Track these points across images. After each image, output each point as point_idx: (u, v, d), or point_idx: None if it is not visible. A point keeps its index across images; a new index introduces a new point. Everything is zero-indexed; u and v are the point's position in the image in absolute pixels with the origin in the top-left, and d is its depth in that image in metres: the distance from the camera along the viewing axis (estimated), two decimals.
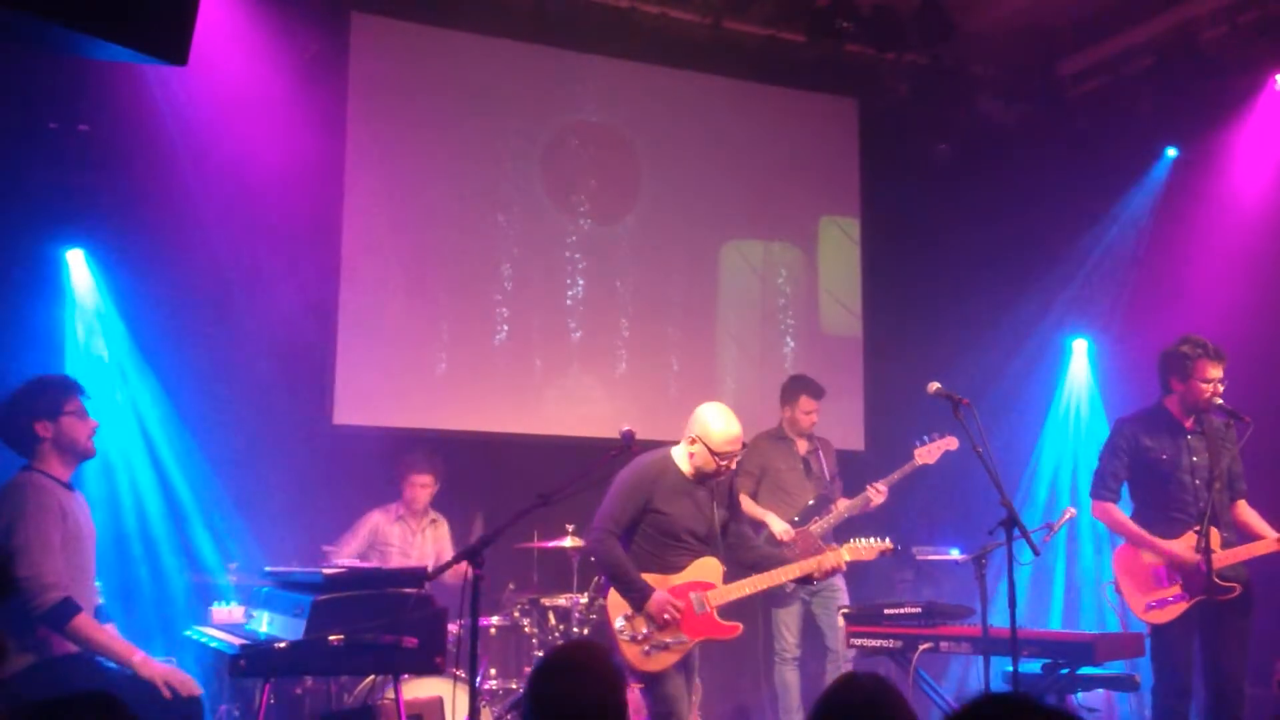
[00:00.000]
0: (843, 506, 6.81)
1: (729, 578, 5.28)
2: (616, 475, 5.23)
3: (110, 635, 4.39)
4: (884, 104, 8.90)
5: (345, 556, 6.44)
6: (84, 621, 4.29)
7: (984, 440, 4.75)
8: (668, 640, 5.06)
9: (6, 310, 6.56)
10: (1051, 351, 8.72)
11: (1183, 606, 5.52)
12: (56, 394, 4.58)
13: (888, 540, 5.58)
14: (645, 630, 5.06)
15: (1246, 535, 5.67)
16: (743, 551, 5.37)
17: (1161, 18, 7.90)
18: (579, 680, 3.02)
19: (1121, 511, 5.79)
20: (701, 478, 5.23)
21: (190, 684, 4.39)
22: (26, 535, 4.28)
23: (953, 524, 7.92)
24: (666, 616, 5.03)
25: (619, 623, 5.08)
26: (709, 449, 5.13)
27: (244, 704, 5.81)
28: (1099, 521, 5.98)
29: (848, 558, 5.37)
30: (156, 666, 4.37)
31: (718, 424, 5.15)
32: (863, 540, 5.53)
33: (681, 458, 5.25)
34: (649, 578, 5.12)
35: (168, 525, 6.72)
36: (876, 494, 6.68)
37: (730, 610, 5.29)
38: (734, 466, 5.25)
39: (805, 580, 5.41)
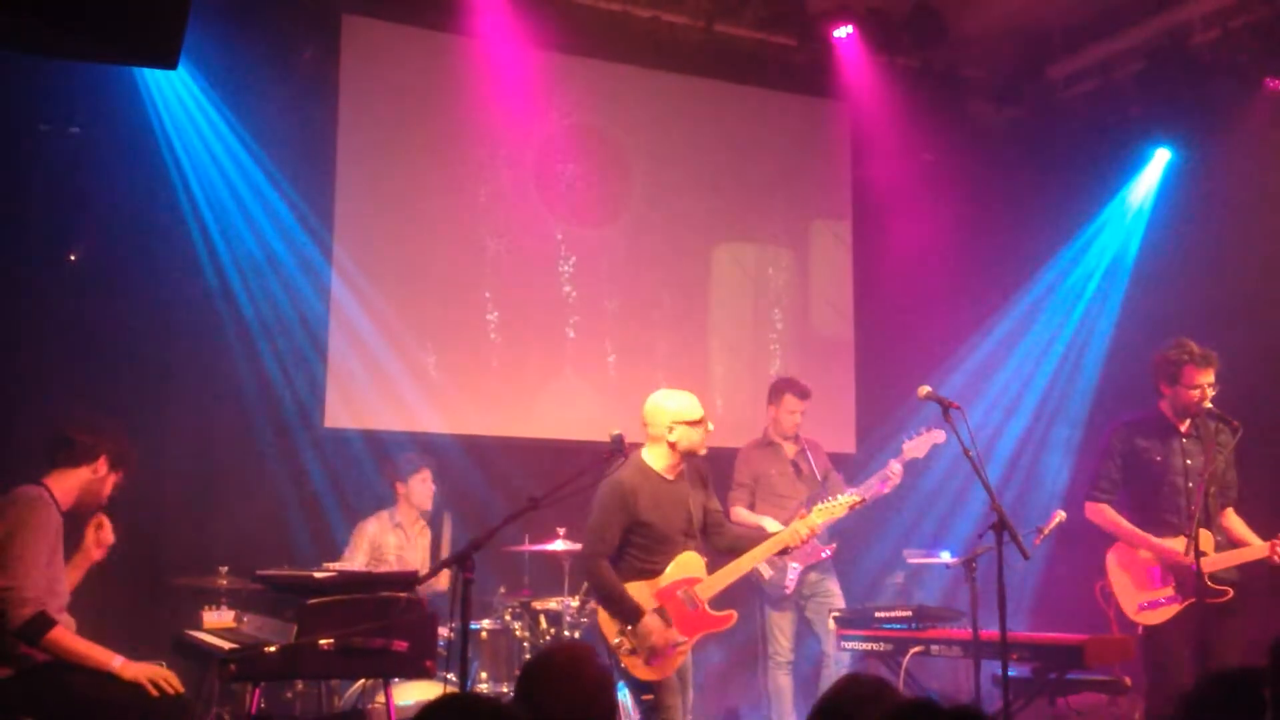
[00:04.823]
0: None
1: (712, 567, 5.31)
2: (596, 492, 5.18)
3: (88, 644, 4.39)
4: (875, 107, 8.90)
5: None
6: (59, 634, 4.31)
7: (974, 444, 4.76)
8: (668, 643, 5.08)
9: (8, 312, 6.57)
10: (1041, 355, 8.73)
11: (1175, 609, 5.53)
12: (128, 456, 4.77)
13: (855, 494, 5.67)
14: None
15: (1232, 542, 5.69)
16: (719, 537, 5.40)
17: (1152, 21, 7.92)
18: (568, 681, 3.02)
19: (1115, 513, 5.80)
20: (687, 460, 5.27)
21: (175, 681, 4.41)
22: (19, 549, 4.31)
23: (943, 527, 7.92)
24: (649, 644, 5.04)
25: (616, 638, 5.08)
26: (690, 424, 5.20)
27: (234, 707, 5.80)
28: (1094, 523, 5.97)
29: (818, 520, 5.37)
30: (138, 667, 4.38)
31: (681, 400, 5.26)
32: (830, 499, 5.53)
33: (656, 457, 5.27)
34: (638, 585, 5.14)
35: (158, 529, 6.70)
36: (894, 474, 6.62)
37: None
38: (711, 429, 5.30)
39: (785, 551, 5.48)
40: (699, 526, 5.30)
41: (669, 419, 5.22)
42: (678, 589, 5.17)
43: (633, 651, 5.06)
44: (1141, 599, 5.63)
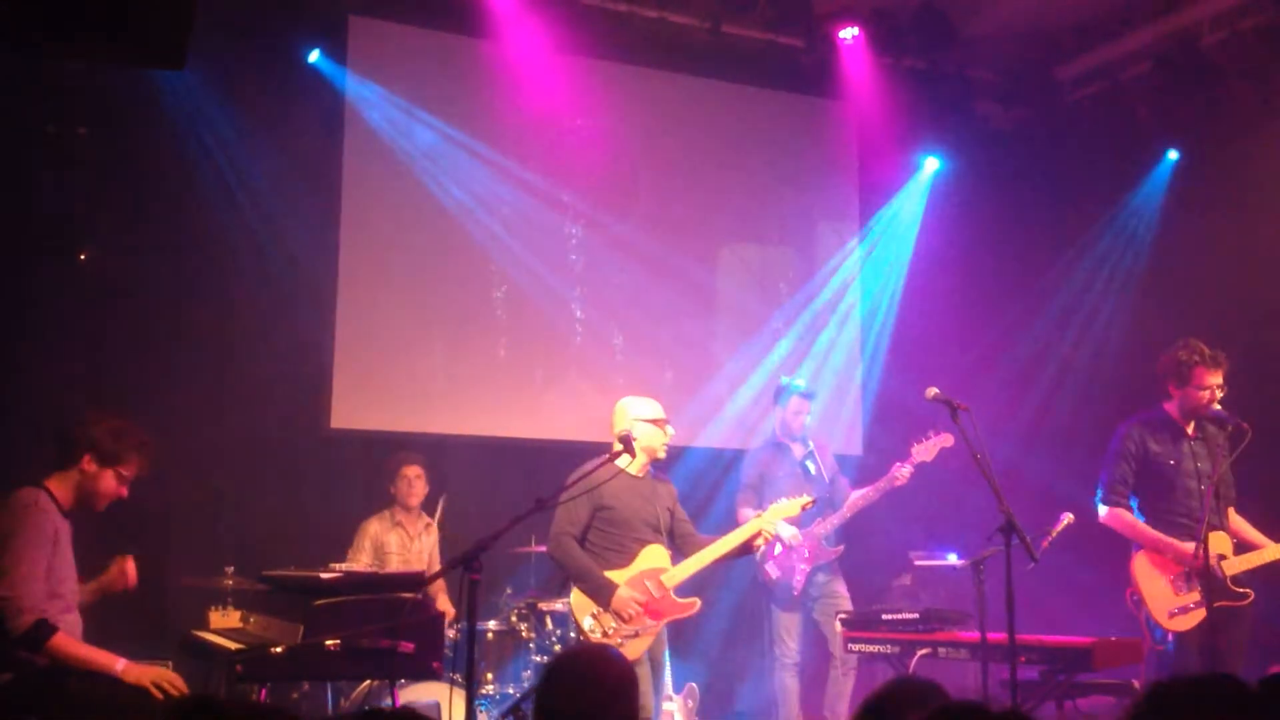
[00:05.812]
0: (858, 497, 6.82)
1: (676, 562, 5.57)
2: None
3: (91, 649, 4.37)
4: (882, 109, 8.90)
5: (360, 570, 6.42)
6: (61, 640, 4.28)
7: (982, 445, 4.74)
8: (636, 628, 5.30)
9: (17, 313, 6.58)
10: (1049, 356, 8.71)
11: (1203, 613, 5.49)
12: (126, 449, 4.60)
13: (806, 495, 5.89)
14: (614, 625, 5.29)
15: (1240, 543, 5.66)
16: (689, 545, 5.63)
17: (1161, 22, 7.89)
18: (589, 682, 3.02)
19: (1134, 516, 5.78)
20: (653, 461, 5.54)
21: (179, 682, 4.39)
22: (15, 556, 4.27)
23: (951, 529, 7.91)
24: (630, 611, 5.28)
25: (587, 622, 5.31)
26: (650, 422, 5.48)
27: None
28: (1111, 528, 5.93)
29: (774, 516, 5.69)
30: (141, 670, 4.36)
31: (641, 403, 5.57)
32: (784, 500, 5.79)
33: (624, 460, 5.41)
34: (607, 574, 5.36)
35: (165, 529, 6.70)
36: (901, 474, 6.67)
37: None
38: (672, 434, 5.59)
39: (748, 549, 5.64)
40: (666, 528, 5.55)
41: (630, 418, 5.49)
42: (645, 578, 5.40)
43: (604, 634, 5.26)
44: (1172, 605, 5.58)
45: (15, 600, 4.22)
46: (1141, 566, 5.74)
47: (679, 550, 5.61)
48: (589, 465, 5.17)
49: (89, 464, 4.54)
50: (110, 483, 4.59)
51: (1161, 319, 7.47)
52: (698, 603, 5.52)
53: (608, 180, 8.27)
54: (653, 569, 5.43)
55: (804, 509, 5.85)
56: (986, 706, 2.12)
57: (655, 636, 5.41)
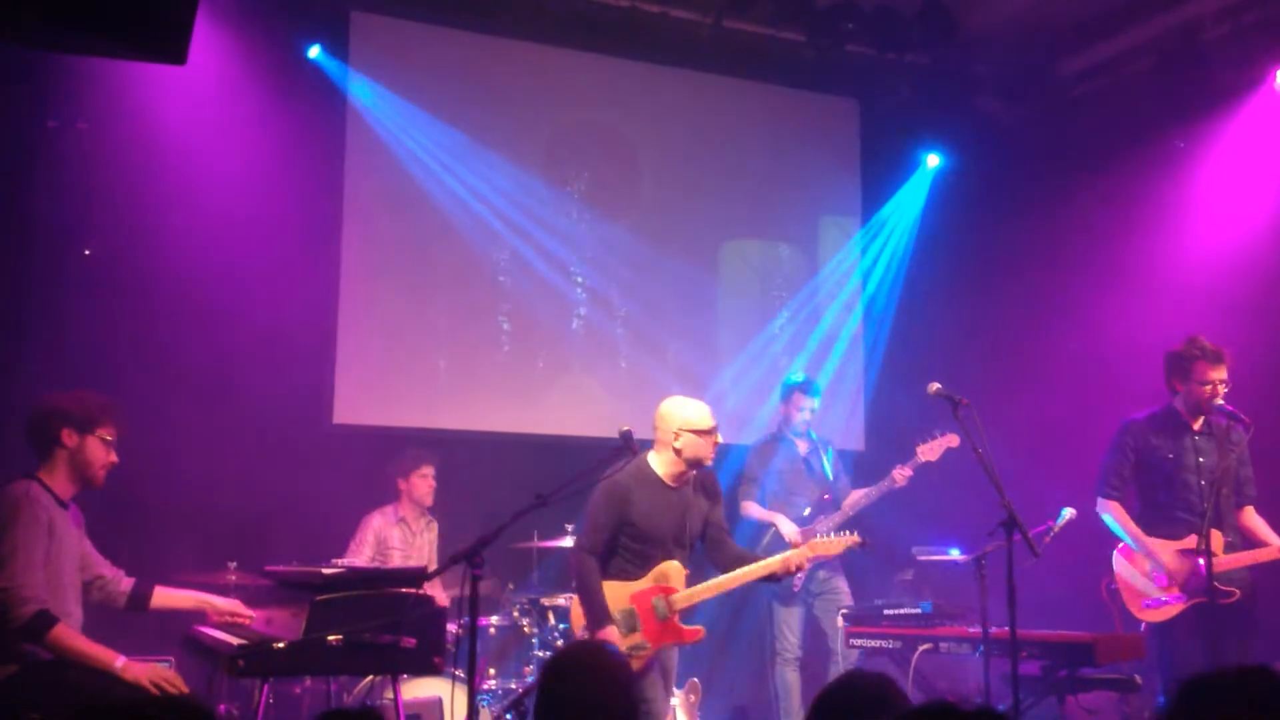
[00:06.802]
0: (858, 496, 6.83)
1: (697, 579, 5.26)
2: (594, 490, 5.14)
3: (91, 644, 4.35)
4: (885, 104, 8.90)
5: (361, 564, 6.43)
6: (62, 632, 4.26)
7: (984, 440, 4.74)
8: (629, 648, 5.04)
9: (17, 310, 6.57)
10: (1051, 352, 8.69)
11: (1179, 607, 5.53)
12: (97, 411, 4.56)
13: (854, 534, 5.44)
14: None
15: (1250, 541, 5.66)
16: (719, 554, 5.35)
17: (1163, 17, 7.88)
18: (588, 679, 3.04)
19: (1124, 512, 5.79)
20: (693, 468, 5.22)
21: (178, 681, 4.37)
22: (12, 547, 4.25)
23: (952, 524, 7.89)
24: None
25: (584, 633, 5.16)
26: (697, 433, 5.15)
27: (243, 704, 5.81)
28: (1103, 519, 5.95)
29: (811, 554, 5.33)
30: (139, 668, 4.35)
31: (691, 409, 5.20)
32: (831, 535, 5.46)
33: (660, 462, 5.24)
34: (616, 585, 5.14)
35: (166, 524, 6.70)
36: (901, 475, 6.70)
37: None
38: (720, 441, 5.26)
39: (772, 578, 5.32)
40: (694, 538, 5.29)
41: (677, 425, 5.18)
42: (653, 595, 5.15)
43: None
44: (1146, 597, 5.62)
45: (16, 590, 4.21)
46: (1120, 559, 5.78)
47: (709, 554, 5.35)
48: (615, 481, 5.06)
49: (69, 437, 4.50)
50: (97, 448, 4.55)
51: (1165, 314, 7.45)
52: (702, 631, 5.22)
53: (610, 175, 8.26)
54: (665, 586, 5.16)
55: (848, 549, 5.42)
56: (957, 706, 2.11)
57: (656, 657, 5.19)
